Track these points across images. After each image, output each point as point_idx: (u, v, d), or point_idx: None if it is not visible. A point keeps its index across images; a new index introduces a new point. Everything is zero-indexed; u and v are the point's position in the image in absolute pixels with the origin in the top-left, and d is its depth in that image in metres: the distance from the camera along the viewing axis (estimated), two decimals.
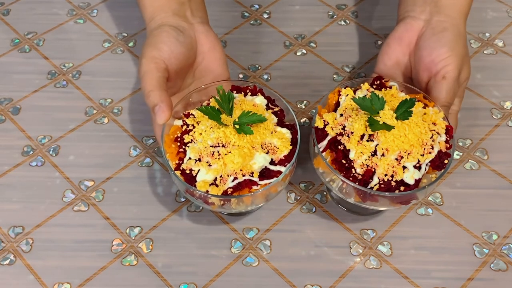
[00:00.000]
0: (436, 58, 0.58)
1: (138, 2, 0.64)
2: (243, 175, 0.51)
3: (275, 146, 0.53)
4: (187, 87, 0.62)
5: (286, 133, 0.54)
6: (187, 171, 0.51)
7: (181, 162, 0.52)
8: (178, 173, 0.52)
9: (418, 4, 0.63)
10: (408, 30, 0.62)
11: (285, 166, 0.52)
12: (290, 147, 0.53)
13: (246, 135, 0.52)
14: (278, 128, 0.54)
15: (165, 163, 0.65)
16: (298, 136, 0.54)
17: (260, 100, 0.56)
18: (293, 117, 0.56)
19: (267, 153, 0.52)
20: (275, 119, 0.55)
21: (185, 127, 0.54)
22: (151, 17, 0.62)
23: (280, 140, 0.53)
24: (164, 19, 0.61)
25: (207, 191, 0.50)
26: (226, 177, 0.50)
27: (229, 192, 0.50)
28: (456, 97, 0.60)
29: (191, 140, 0.53)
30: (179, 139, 0.54)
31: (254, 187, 0.51)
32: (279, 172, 0.51)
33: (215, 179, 0.51)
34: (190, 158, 0.52)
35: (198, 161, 0.51)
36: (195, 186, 0.50)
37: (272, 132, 0.53)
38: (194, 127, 0.54)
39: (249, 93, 0.57)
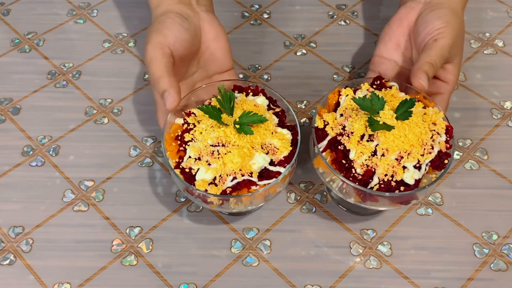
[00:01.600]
0: (431, 29, 0.59)
1: None
2: (242, 175, 0.51)
3: (275, 147, 0.53)
4: (191, 76, 0.62)
5: (286, 134, 0.54)
6: (187, 170, 0.51)
7: (181, 160, 0.52)
8: (177, 171, 0.52)
9: None
10: (409, 12, 0.63)
11: (284, 167, 0.52)
12: (290, 148, 0.53)
13: (246, 135, 0.52)
14: (279, 129, 0.54)
15: (165, 163, 0.65)
16: (299, 137, 0.54)
17: (261, 101, 0.56)
18: (294, 118, 0.56)
19: (267, 153, 0.52)
20: (276, 120, 0.55)
21: (185, 125, 0.54)
22: (157, 3, 0.62)
23: (280, 141, 0.53)
24: (169, 6, 0.61)
25: (206, 190, 0.50)
26: (225, 176, 0.50)
27: (228, 192, 0.50)
28: (451, 75, 0.61)
29: (192, 139, 0.53)
30: (179, 138, 0.54)
31: (253, 187, 0.51)
32: (279, 173, 0.51)
33: (214, 178, 0.51)
34: (190, 157, 0.52)
35: (198, 160, 0.51)
36: (194, 185, 0.50)
37: (272, 133, 0.53)
38: (194, 125, 0.54)
39: (251, 93, 0.57)
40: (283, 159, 0.52)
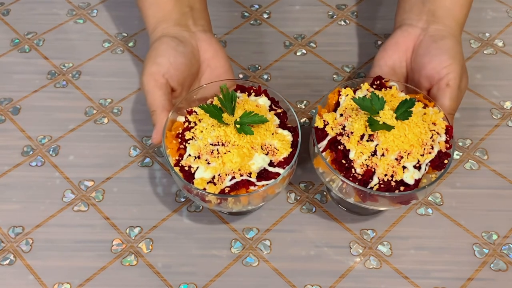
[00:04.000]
0: (438, 65, 0.58)
1: (141, 14, 0.65)
2: (241, 175, 0.51)
3: (275, 148, 0.52)
4: None
5: (287, 135, 0.54)
6: (186, 168, 0.51)
7: (181, 158, 0.52)
8: (177, 169, 0.52)
9: (415, 12, 0.63)
10: (405, 36, 0.62)
11: (284, 168, 0.52)
12: (290, 150, 0.53)
13: (246, 135, 0.52)
14: (280, 130, 0.54)
15: (165, 163, 0.65)
16: (299, 139, 0.54)
17: (263, 101, 0.56)
18: (295, 119, 0.56)
19: (266, 154, 0.52)
20: (277, 121, 0.55)
21: (187, 124, 0.54)
22: (154, 28, 0.62)
23: (281, 142, 0.53)
24: (165, 30, 0.61)
25: (204, 189, 0.50)
26: (224, 176, 0.50)
27: (227, 191, 0.50)
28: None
29: (192, 137, 0.53)
30: (180, 136, 0.54)
31: (252, 188, 0.51)
32: (278, 174, 0.51)
33: (213, 177, 0.51)
34: (189, 155, 0.52)
35: (197, 159, 0.51)
36: (193, 183, 0.50)
37: (273, 134, 0.53)
38: (196, 124, 0.54)
39: (253, 93, 0.57)
40: (282, 160, 0.52)
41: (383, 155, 0.51)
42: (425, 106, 0.56)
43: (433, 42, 0.60)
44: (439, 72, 0.58)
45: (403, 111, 0.52)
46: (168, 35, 0.60)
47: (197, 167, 0.51)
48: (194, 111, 0.55)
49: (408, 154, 0.51)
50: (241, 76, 0.74)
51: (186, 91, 0.61)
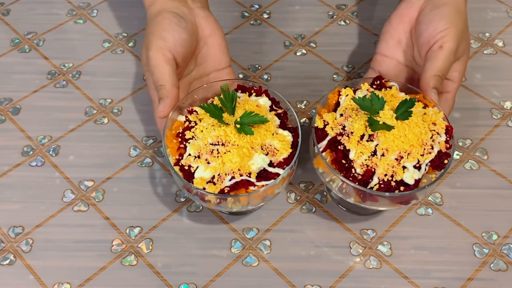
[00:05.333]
0: (434, 31, 0.58)
1: None
2: (241, 175, 0.51)
3: (275, 148, 0.52)
4: (188, 74, 0.62)
5: (287, 135, 0.54)
6: (186, 167, 0.51)
7: (181, 157, 0.52)
8: (177, 168, 0.52)
9: None
10: (409, 7, 0.62)
11: (283, 168, 0.52)
12: (290, 150, 0.53)
13: (246, 135, 0.52)
14: (280, 130, 0.54)
15: (165, 163, 0.65)
16: (299, 140, 0.54)
17: (264, 101, 0.56)
18: (296, 120, 0.56)
19: (266, 154, 0.52)
20: (278, 121, 0.55)
21: (187, 123, 0.54)
22: (151, 1, 0.61)
23: (281, 142, 0.53)
24: (164, 4, 0.60)
25: (204, 189, 0.50)
26: (223, 175, 0.50)
27: (226, 191, 0.50)
28: (457, 72, 0.60)
29: (192, 136, 0.53)
30: (180, 135, 0.54)
31: (251, 188, 0.51)
32: (277, 175, 0.51)
33: (213, 177, 0.51)
34: (189, 155, 0.52)
35: (197, 158, 0.51)
36: (192, 182, 0.50)
37: (273, 134, 0.53)
38: (196, 123, 0.54)
39: (254, 94, 0.57)
40: (282, 160, 0.52)
41: (383, 155, 0.51)
42: (425, 106, 0.56)
43: (432, 9, 0.60)
44: (435, 37, 0.57)
45: (403, 111, 0.52)
46: (167, 10, 0.59)
47: (197, 167, 0.51)
48: (195, 111, 0.55)
49: (408, 154, 0.51)
50: (241, 76, 0.74)
51: (185, 68, 0.60)
